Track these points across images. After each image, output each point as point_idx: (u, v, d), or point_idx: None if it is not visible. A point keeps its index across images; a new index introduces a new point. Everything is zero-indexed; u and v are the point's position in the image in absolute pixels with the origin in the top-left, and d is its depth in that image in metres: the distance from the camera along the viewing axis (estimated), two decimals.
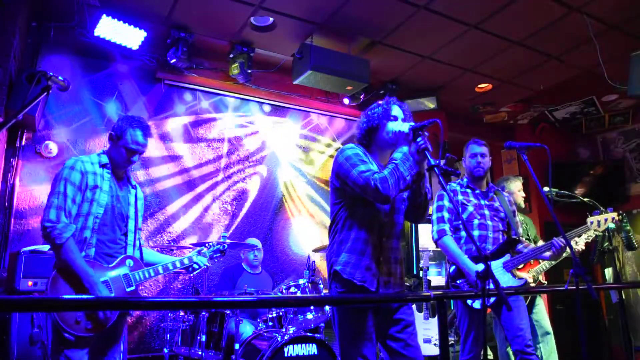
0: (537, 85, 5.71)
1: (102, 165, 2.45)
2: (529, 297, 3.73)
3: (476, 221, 3.07)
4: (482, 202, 3.15)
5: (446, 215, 3.08)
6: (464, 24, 4.46)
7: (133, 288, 2.41)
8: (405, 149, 2.10)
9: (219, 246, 2.90)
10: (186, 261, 2.69)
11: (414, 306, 4.59)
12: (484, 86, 5.79)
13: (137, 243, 2.58)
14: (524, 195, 4.11)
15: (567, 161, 7.00)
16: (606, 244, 3.76)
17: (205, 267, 2.76)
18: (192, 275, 4.17)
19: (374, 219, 2.16)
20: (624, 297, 3.90)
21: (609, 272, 5.60)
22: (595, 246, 3.81)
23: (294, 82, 4.82)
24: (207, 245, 2.91)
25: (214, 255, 2.86)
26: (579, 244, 3.50)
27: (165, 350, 3.75)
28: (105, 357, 2.37)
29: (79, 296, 2.11)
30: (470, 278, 2.90)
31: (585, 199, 3.69)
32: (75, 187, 2.32)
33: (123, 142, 2.44)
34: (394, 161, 2.07)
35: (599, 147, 7.14)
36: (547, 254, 3.08)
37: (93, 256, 2.33)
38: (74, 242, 2.25)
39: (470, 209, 3.10)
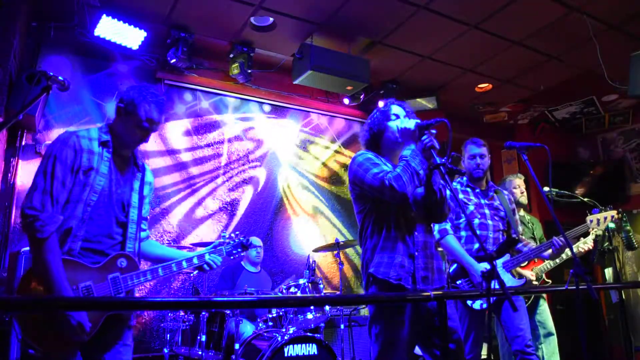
0: (537, 85, 5.71)
1: (102, 143, 2.03)
2: (532, 298, 3.73)
3: (477, 221, 3.06)
4: (482, 201, 3.15)
5: None
6: (464, 24, 4.47)
7: (122, 295, 1.97)
8: (412, 145, 2.09)
9: (241, 239, 2.41)
10: (195, 261, 2.19)
11: None
12: (484, 86, 5.79)
13: (139, 236, 2.12)
14: (522, 191, 4.12)
15: (567, 161, 7.01)
16: (606, 244, 3.76)
17: (217, 267, 2.25)
18: (192, 275, 4.16)
19: (399, 215, 2.14)
20: (624, 297, 3.90)
21: (609, 272, 5.60)
22: (595, 246, 3.81)
23: (294, 82, 4.82)
24: (223, 241, 2.39)
25: (234, 252, 2.38)
26: (587, 243, 3.49)
27: (165, 350, 3.75)
28: None
29: (80, 296, 1.87)
30: (474, 278, 2.89)
31: (585, 199, 3.69)
32: (67, 167, 1.91)
33: (135, 118, 2.03)
34: (404, 158, 2.06)
35: (599, 147, 7.14)
36: (547, 252, 3.08)
37: (78, 251, 1.91)
38: (57, 239, 1.85)
39: (471, 207, 3.10)
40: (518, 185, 4.11)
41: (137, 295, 2.33)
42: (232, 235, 2.44)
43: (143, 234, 2.24)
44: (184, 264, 2.15)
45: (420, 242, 2.16)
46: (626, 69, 4.40)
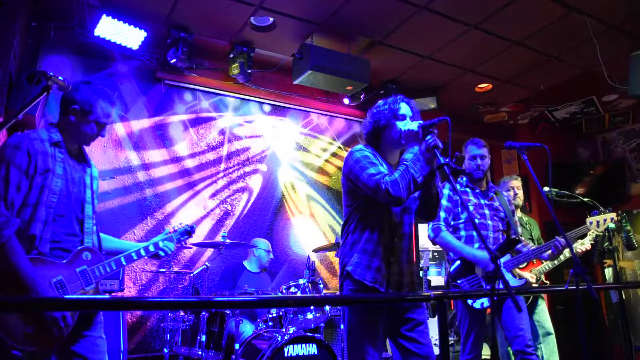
0: (537, 85, 5.71)
1: (54, 144, 2.06)
2: (531, 298, 3.73)
3: (476, 221, 3.06)
4: (482, 201, 3.15)
5: (442, 214, 3.07)
6: (464, 24, 4.46)
7: (93, 286, 2.06)
8: (416, 148, 2.09)
9: (185, 228, 2.58)
10: (151, 248, 2.35)
11: None
12: (484, 86, 5.79)
13: (95, 230, 2.20)
14: (516, 192, 4.08)
15: (567, 161, 7.00)
16: (606, 244, 3.76)
17: (171, 252, 2.44)
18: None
19: (385, 219, 2.16)
20: (624, 297, 3.90)
21: (609, 272, 5.60)
22: (595, 246, 3.81)
23: (294, 82, 4.81)
24: (174, 229, 2.58)
25: (182, 238, 2.55)
26: (585, 244, 3.49)
27: (165, 350, 3.75)
28: None
29: (80, 296, 1.95)
30: (481, 265, 2.87)
31: (585, 199, 3.69)
32: (21, 172, 1.92)
33: (94, 116, 2.12)
34: (405, 162, 2.06)
35: (599, 147, 7.13)
36: (547, 253, 3.08)
37: (48, 253, 1.96)
38: (17, 240, 1.87)
39: (470, 208, 3.09)
40: (513, 187, 4.10)
41: (130, 294, 2.40)
42: (180, 224, 2.60)
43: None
44: (142, 251, 2.31)
45: (400, 248, 2.17)
46: (626, 69, 4.40)
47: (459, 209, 3.10)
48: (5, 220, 1.85)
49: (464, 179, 3.22)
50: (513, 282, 3.02)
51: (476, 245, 3.02)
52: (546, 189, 2.83)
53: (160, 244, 2.38)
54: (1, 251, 1.83)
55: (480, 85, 5.78)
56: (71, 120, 2.12)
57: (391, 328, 2.18)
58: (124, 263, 2.20)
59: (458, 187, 3.17)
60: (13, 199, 1.90)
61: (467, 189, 3.18)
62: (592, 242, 3.48)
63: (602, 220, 3.19)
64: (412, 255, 2.25)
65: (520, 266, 3.16)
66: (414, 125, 2.11)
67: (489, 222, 3.08)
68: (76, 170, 2.15)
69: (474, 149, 3.19)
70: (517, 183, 4.12)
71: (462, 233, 3.09)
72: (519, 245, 3.17)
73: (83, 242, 2.10)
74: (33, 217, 1.94)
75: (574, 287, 2.02)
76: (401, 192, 1.99)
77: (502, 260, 3.04)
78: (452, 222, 3.10)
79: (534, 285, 3.32)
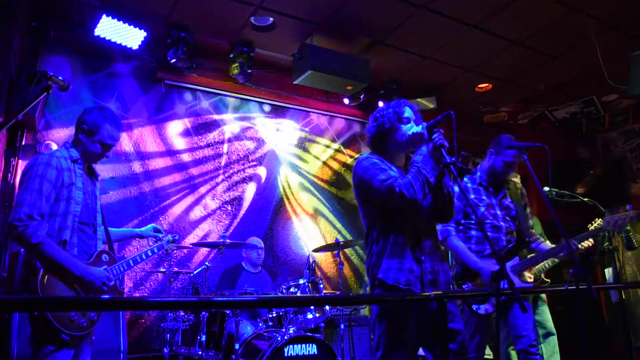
0: (537, 85, 5.71)
1: (74, 161, 2.33)
2: (532, 297, 3.72)
3: (487, 221, 3.00)
4: (494, 201, 3.08)
5: None
6: (464, 24, 4.46)
7: (113, 282, 2.34)
8: (424, 149, 2.08)
9: (173, 237, 3.05)
10: (150, 253, 2.80)
11: None
12: (484, 86, 5.79)
13: (107, 235, 2.55)
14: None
15: (567, 161, 7.00)
16: (606, 244, 3.75)
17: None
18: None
19: (406, 220, 2.14)
20: (624, 297, 3.90)
21: (609, 272, 5.60)
22: (595, 246, 3.80)
23: (294, 82, 4.82)
24: (162, 237, 3.01)
25: (167, 247, 2.98)
26: (589, 240, 3.44)
27: (165, 350, 3.75)
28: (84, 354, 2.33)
29: (81, 296, 2.14)
30: (485, 278, 2.84)
31: (586, 199, 3.68)
32: (51, 185, 2.18)
33: (99, 137, 2.35)
34: (415, 164, 2.05)
35: (599, 147, 7.13)
36: (559, 255, 3.03)
37: (76, 255, 2.25)
38: (50, 239, 2.13)
39: (482, 209, 2.99)
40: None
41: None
42: (169, 236, 3.03)
43: None
44: (143, 256, 2.73)
45: (427, 246, 2.15)
46: (626, 69, 4.40)
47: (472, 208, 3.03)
48: (37, 224, 2.09)
49: (478, 174, 3.15)
50: (520, 284, 2.99)
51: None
52: (546, 189, 2.82)
53: (155, 250, 2.82)
54: (39, 251, 2.09)
55: (480, 85, 5.78)
56: (80, 138, 2.37)
57: (426, 338, 2.12)
58: (132, 264, 2.54)
59: (469, 185, 3.06)
60: (44, 209, 2.15)
61: (481, 187, 3.08)
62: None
63: (620, 220, 3.06)
64: (440, 252, 2.23)
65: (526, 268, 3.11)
66: (419, 128, 2.10)
67: (502, 223, 2.98)
68: (89, 184, 2.43)
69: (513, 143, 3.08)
70: (516, 180, 4.09)
71: (473, 233, 3.00)
72: (533, 244, 3.12)
73: (97, 247, 2.39)
74: (63, 225, 2.21)
75: (574, 287, 2.02)
76: (416, 194, 1.98)
77: (510, 263, 2.99)
78: (462, 221, 3.03)
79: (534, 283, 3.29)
